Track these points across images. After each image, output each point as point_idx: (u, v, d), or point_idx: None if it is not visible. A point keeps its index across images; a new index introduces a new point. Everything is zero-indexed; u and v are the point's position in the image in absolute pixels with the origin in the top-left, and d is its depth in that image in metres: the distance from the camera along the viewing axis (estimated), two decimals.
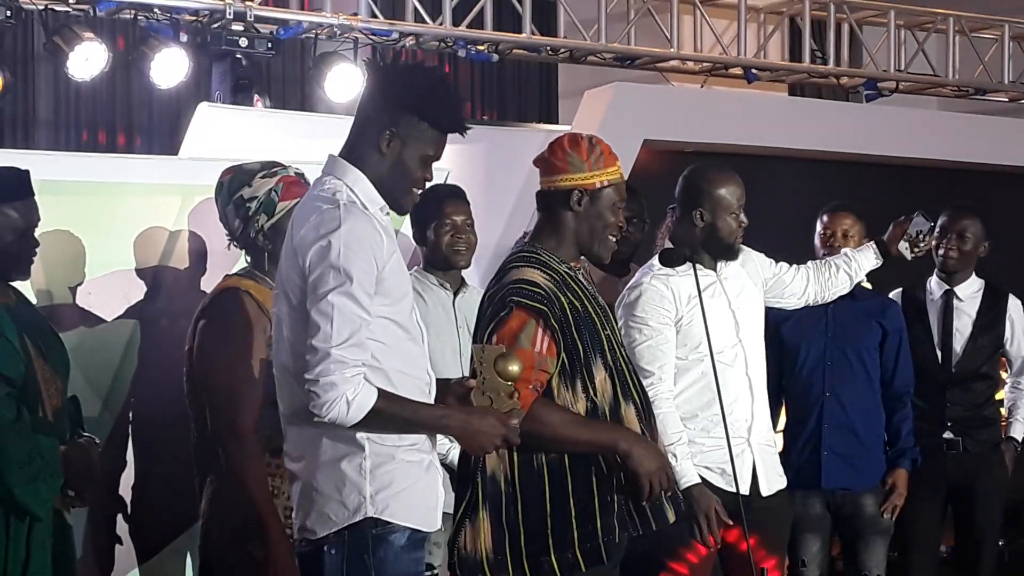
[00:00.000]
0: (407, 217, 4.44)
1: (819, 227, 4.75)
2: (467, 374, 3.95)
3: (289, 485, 3.07)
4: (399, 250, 3.00)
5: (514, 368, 2.95)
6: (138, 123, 7.81)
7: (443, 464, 4.01)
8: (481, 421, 2.94)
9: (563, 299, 3.29)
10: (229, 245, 3.78)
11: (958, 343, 4.98)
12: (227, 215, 3.71)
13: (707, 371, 3.84)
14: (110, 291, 4.84)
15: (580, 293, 3.35)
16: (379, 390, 2.84)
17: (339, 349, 2.79)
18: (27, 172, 3.45)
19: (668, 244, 4.02)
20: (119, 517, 4.75)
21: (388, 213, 3.02)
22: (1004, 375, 5.23)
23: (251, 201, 3.64)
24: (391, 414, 2.86)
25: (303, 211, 2.97)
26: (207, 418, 3.67)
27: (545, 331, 3.24)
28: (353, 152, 3.00)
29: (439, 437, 3.95)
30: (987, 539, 4.98)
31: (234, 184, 3.69)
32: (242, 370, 3.52)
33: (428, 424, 2.97)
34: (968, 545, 4.99)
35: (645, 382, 3.71)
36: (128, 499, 4.79)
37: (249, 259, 3.79)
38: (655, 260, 3.96)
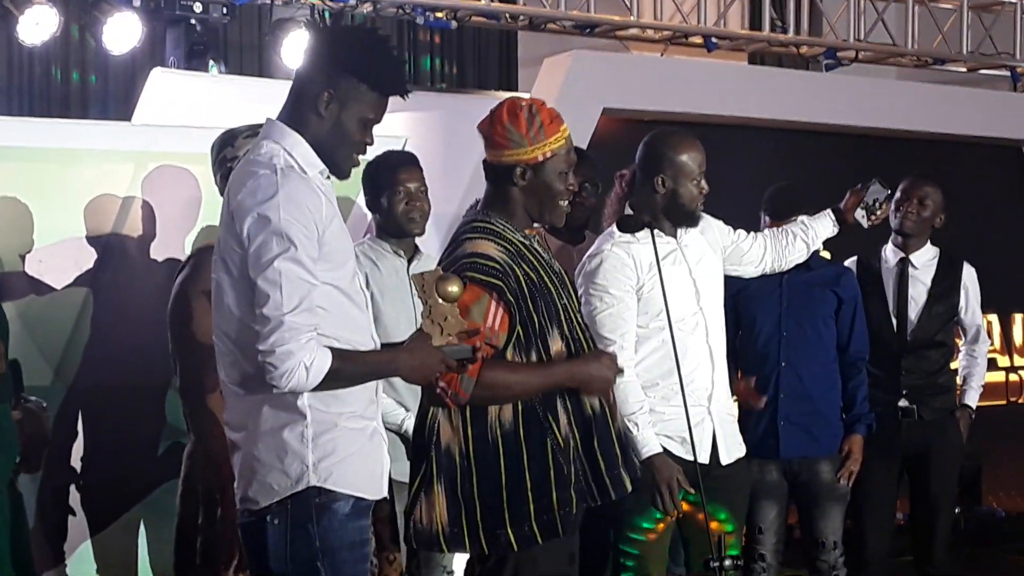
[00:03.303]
0: (360, 188, 4.40)
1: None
2: None
3: (231, 455, 3.02)
4: (340, 215, 2.95)
5: (453, 288, 2.93)
6: (91, 89, 7.68)
7: (398, 433, 4.01)
8: (421, 354, 2.91)
9: (518, 271, 3.26)
10: None
11: (913, 311, 4.99)
12: (215, 175, 3.71)
13: (668, 339, 3.79)
14: (61, 259, 4.78)
15: (535, 263, 3.32)
16: (332, 350, 2.80)
17: (291, 316, 2.74)
18: None
19: (628, 211, 3.98)
20: (71, 488, 4.71)
21: (329, 177, 2.96)
22: (958, 343, 5.26)
23: (232, 161, 3.66)
24: (346, 372, 2.83)
25: (239, 177, 2.90)
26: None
27: (499, 304, 3.21)
28: (292, 115, 2.94)
29: (390, 407, 3.97)
30: (942, 506, 4.99)
31: (220, 144, 3.71)
32: (205, 329, 3.47)
33: (380, 371, 2.95)
34: (924, 512, 5.01)
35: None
36: (79, 469, 4.75)
37: None
38: (615, 227, 3.92)
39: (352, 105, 2.92)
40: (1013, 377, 7.64)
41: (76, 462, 4.76)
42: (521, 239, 3.33)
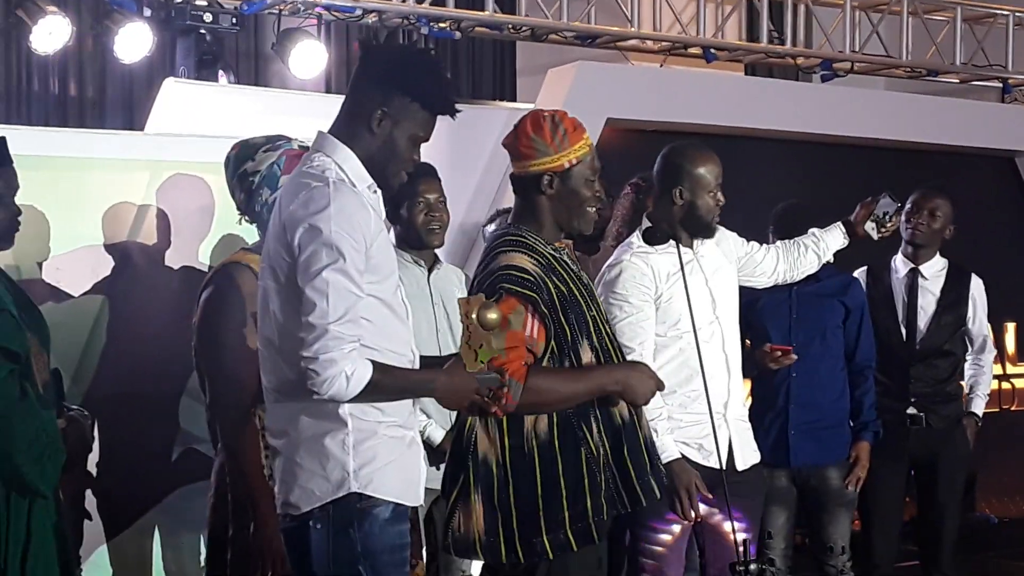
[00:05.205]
0: None
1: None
2: (443, 351, 4.01)
3: (272, 460, 3.08)
4: (385, 229, 3.02)
5: (493, 316, 2.95)
6: (101, 98, 7.70)
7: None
8: (457, 379, 2.95)
9: (550, 283, 3.32)
10: (240, 220, 3.77)
11: (922, 321, 5.08)
12: (232, 189, 3.71)
13: (685, 348, 3.88)
14: (78, 266, 4.82)
15: (566, 275, 3.38)
16: (373, 362, 2.85)
17: (336, 325, 2.80)
18: (3, 139, 3.40)
19: (646, 222, 4.05)
20: (88, 492, 4.74)
21: (376, 192, 3.03)
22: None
23: (254, 175, 3.64)
24: (384, 385, 2.88)
25: (291, 188, 2.97)
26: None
27: (534, 316, 3.27)
28: (343, 130, 3.01)
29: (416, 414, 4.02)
30: (949, 512, 5.09)
31: (239, 158, 3.69)
32: (237, 345, 3.51)
33: (417, 389, 3.00)
34: (930, 517, 5.10)
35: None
36: (95, 475, 4.78)
37: (259, 232, 3.74)
38: (635, 238, 3.99)
39: (404, 123, 2.99)
40: (1006, 385, 7.74)
41: (92, 467, 4.79)
42: (551, 252, 3.39)
